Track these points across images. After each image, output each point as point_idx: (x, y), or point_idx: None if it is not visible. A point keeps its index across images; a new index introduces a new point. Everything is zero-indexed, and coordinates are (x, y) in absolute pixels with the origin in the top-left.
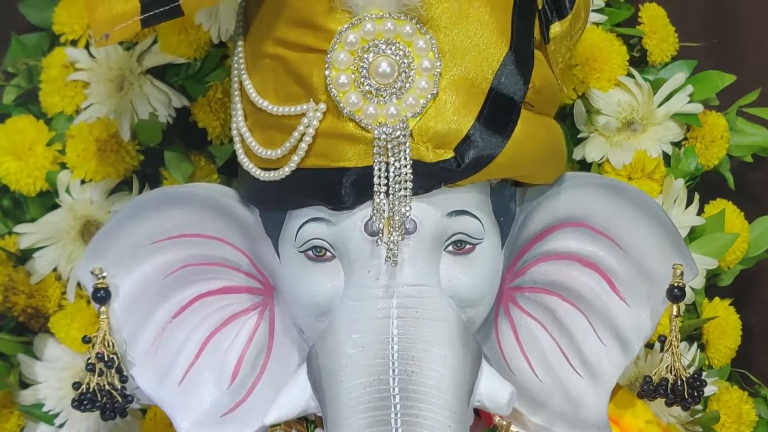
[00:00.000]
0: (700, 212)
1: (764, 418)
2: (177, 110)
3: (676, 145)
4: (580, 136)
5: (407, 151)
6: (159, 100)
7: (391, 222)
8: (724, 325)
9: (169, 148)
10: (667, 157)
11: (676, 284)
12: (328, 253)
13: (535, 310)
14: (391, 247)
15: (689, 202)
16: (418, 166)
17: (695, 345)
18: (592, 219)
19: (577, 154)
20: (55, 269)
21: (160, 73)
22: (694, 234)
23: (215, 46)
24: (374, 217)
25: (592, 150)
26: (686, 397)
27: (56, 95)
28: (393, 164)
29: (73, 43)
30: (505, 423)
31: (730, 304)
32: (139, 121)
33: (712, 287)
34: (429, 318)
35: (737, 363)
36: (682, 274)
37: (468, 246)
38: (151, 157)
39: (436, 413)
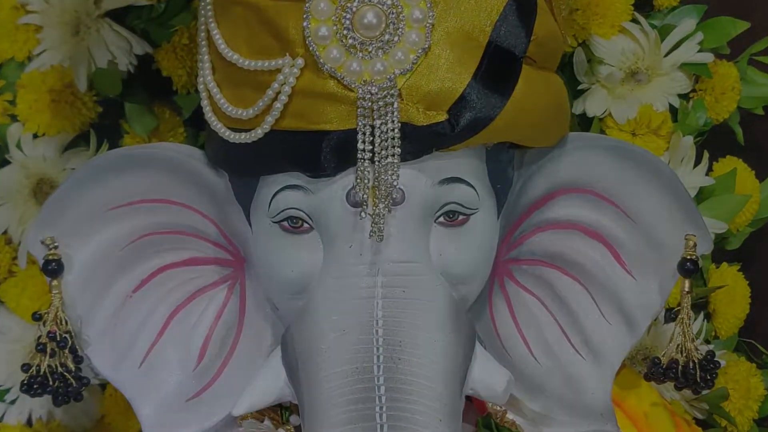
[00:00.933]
0: (709, 171)
1: None
2: (138, 57)
3: (684, 97)
4: (580, 87)
5: (395, 112)
6: (119, 46)
7: (377, 191)
8: (733, 293)
9: (130, 99)
10: (674, 111)
11: (688, 257)
12: (305, 225)
13: (532, 284)
14: (376, 219)
15: (698, 161)
16: (408, 130)
17: (701, 315)
18: (598, 184)
19: (577, 108)
20: (5, 232)
21: (120, 16)
22: (702, 195)
23: None
24: (357, 186)
25: (593, 103)
26: (698, 380)
27: (6, 40)
28: (379, 127)
29: None
30: (500, 410)
31: (739, 270)
32: (96, 70)
33: (719, 250)
34: (418, 298)
35: (743, 330)
36: (695, 245)
37: (461, 217)
38: (110, 108)
39: (425, 405)
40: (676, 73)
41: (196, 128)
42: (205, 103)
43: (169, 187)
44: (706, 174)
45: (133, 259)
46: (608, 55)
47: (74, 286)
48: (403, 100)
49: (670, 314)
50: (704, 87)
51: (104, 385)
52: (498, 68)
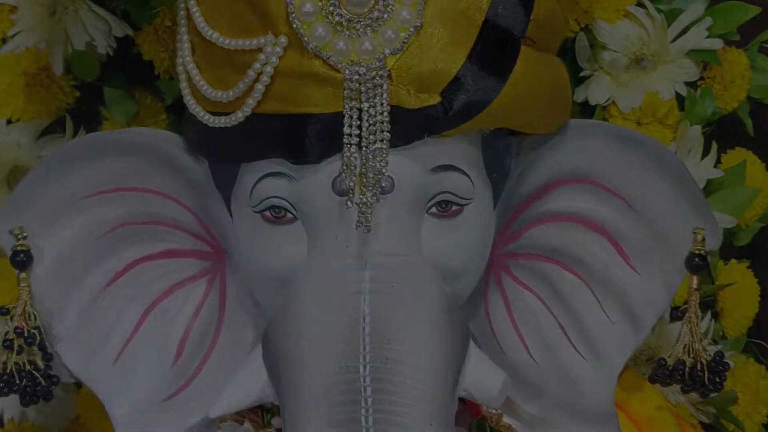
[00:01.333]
0: (717, 163)
1: None
2: (118, 40)
3: (692, 85)
4: (582, 74)
5: (384, 95)
6: (97, 27)
7: (364, 179)
8: (741, 292)
9: (110, 84)
10: (680, 100)
11: (696, 252)
12: (289, 214)
13: (531, 280)
14: (363, 209)
15: (706, 152)
16: (398, 113)
17: (708, 314)
18: (601, 174)
19: (579, 96)
20: None
21: None
22: (710, 188)
23: None
24: (344, 173)
25: (596, 91)
26: (706, 383)
27: None
28: (367, 110)
29: None
30: (495, 413)
31: (748, 267)
32: (74, 52)
33: (727, 246)
34: (408, 293)
35: (752, 330)
36: (703, 240)
37: (455, 207)
38: (88, 93)
39: (414, 408)
40: (683, 59)
41: (179, 115)
42: (184, 85)
43: (146, 175)
44: (715, 166)
45: (106, 251)
46: (612, 40)
47: (44, 279)
48: (392, 81)
49: (677, 312)
50: (713, 75)
51: (80, 384)
52: (495, 49)
